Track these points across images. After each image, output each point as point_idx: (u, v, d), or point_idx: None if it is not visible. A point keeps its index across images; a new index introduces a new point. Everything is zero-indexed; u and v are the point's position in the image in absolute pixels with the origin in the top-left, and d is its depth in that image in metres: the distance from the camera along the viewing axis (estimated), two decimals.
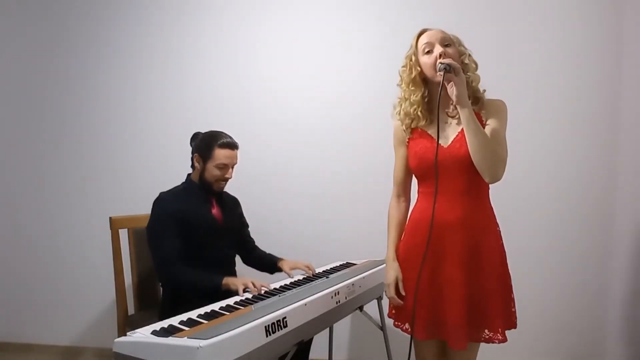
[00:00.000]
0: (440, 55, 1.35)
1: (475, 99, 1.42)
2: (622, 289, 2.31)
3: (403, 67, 1.47)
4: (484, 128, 1.37)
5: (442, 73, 1.29)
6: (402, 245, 1.51)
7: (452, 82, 1.30)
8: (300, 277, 1.84)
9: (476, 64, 1.45)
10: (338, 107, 2.57)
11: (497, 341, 1.35)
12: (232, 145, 1.88)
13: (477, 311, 1.35)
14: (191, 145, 1.94)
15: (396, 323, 1.50)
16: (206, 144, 1.86)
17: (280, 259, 2.03)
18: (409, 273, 1.45)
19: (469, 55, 1.44)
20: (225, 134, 1.90)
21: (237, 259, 2.05)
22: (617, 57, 2.35)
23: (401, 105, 1.48)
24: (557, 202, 2.42)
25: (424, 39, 1.40)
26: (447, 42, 1.39)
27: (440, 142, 1.40)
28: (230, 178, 1.91)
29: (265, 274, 2.06)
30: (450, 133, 1.42)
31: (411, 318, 1.39)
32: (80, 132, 2.78)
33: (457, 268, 1.36)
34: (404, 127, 1.49)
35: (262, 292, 1.59)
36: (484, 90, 1.45)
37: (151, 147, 2.72)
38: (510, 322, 1.43)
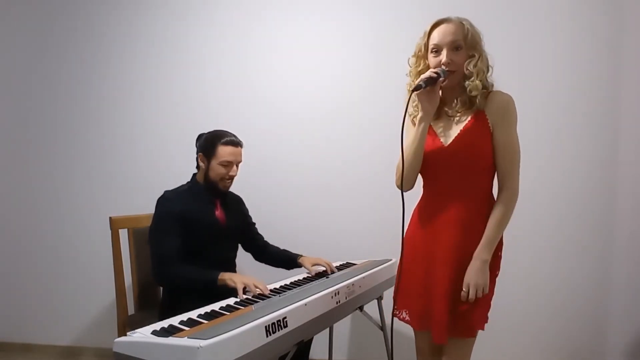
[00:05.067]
0: (443, 64, 1.34)
1: (471, 102, 1.38)
2: (622, 289, 2.31)
3: (412, 56, 1.45)
4: (487, 127, 1.36)
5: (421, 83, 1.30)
6: (408, 239, 1.46)
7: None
8: (301, 277, 1.84)
9: (485, 70, 1.38)
10: (341, 106, 2.57)
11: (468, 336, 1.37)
12: (236, 143, 1.87)
13: (461, 307, 1.36)
14: (196, 146, 1.93)
15: (395, 312, 1.49)
16: (209, 143, 1.86)
17: (300, 256, 2.02)
18: (412, 269, 1.45)
19: (480, 59, 1.36)
20: (229, 133, 1.90)
21: (239, 260, 2.03)
22: (617, 57, 2.35)
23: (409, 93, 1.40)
24: (557, 202, 2.42)
25: (434, 38, 1.37)
26: (457, 44, 1.35)
27: (441, 140, 1.41)
28: (235, 176, 1.90)
29: (269, 273, 2.04)
30: (451, 132, 1.41)
31: (399, 308, 1.47)
32: (81, 131, 2.78)
33: (445, 265, 1.38)
34: (411, 117, 1.47)
35: (266, 293, 1.57)
36: (491, 91, 1.41)
37: (152, 147, 2.72)
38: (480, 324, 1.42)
